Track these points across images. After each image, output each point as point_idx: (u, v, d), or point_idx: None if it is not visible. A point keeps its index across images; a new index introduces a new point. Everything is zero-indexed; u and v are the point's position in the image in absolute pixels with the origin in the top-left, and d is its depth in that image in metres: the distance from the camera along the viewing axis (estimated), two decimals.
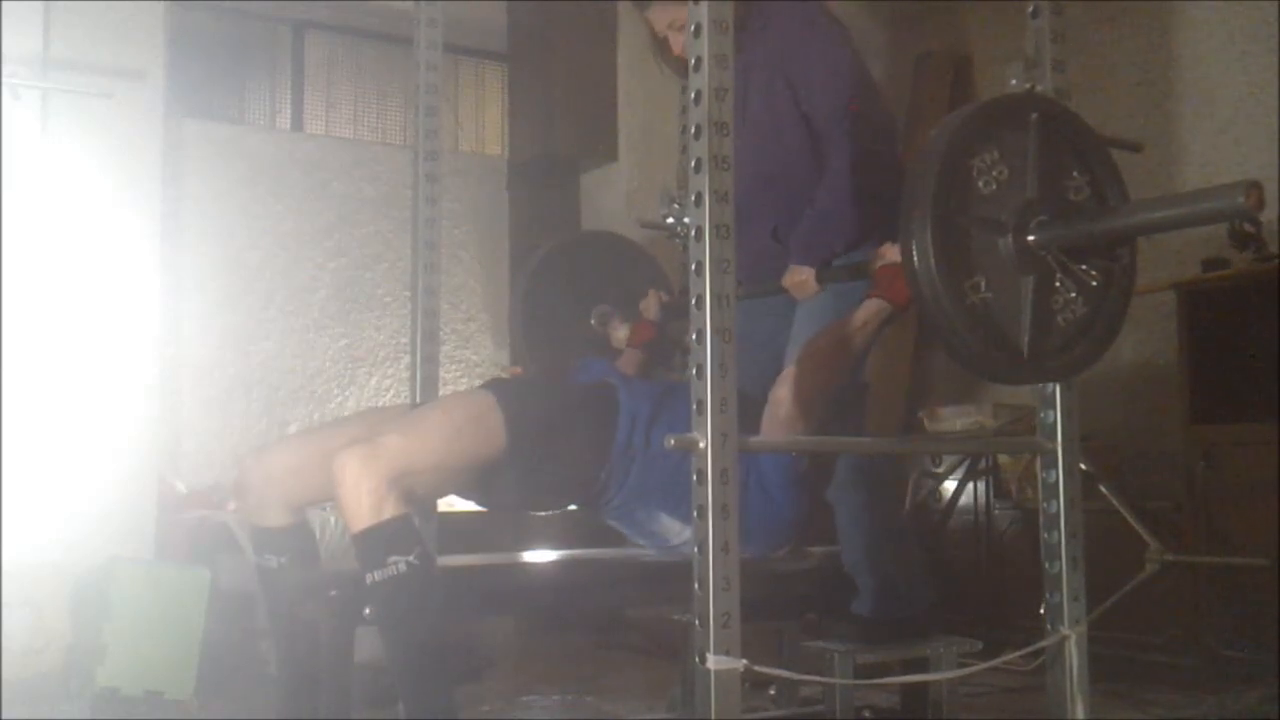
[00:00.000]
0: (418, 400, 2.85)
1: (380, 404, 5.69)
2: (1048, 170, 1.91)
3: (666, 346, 3.00)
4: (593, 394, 2.45)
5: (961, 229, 1.82)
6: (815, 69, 2.65)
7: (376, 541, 2.03)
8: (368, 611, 2.05)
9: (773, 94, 2.70)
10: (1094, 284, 1.92)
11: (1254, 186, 1.67)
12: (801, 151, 2.70)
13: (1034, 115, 1.90)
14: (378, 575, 2.02)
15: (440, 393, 2.91)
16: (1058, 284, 1.90)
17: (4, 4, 3.74)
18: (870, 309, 2.25)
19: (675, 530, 2.31)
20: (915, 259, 1.78)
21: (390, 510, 2.03)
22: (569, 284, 3.10)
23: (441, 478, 2.16)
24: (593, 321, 3.09)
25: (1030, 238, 1.87)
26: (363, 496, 2.03)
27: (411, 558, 2.03)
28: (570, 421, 2.34)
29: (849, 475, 2.62)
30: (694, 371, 1.70)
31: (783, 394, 2.25)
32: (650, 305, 2.94)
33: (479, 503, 2.42)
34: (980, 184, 1.86)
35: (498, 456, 2.21)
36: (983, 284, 1.83)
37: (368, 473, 2.03)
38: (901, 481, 4.63)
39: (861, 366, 2.47)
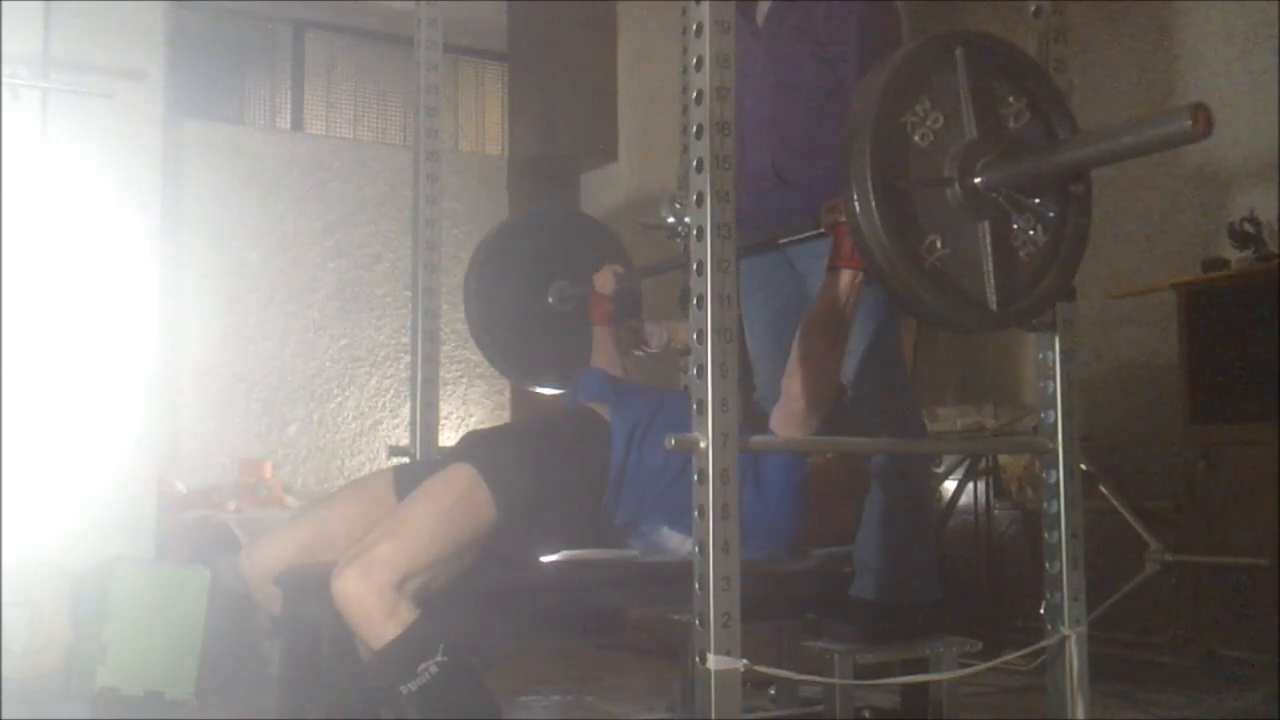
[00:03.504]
0: (417, 400, 2.85)
1: (380, 404, 5.70)
2: (983, 105, 1.85)
3: (628, 315, 2.95)
4: (580, 425, 2.42)
5: (905, 193, 1.76)
6: (850, 20, 2.66)
7: (400, 655, 2.00)
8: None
9: (800, 33, 2.72)
10: (1051, 214, 1.87)
11: (1199, 108, 1.57)
12: (812, 93, 2.71)
13: (958, 51, 1.84)
14: (412, 686, 2.00)
15: (440, 393, 2.91)
16: (1015, 225, 1.85)
17: (4, 4, 3.74)
18: (845, 281, 2.17)
19: (678, 542, 2.30)
20: (865, 235, 1.72)
21: (404, 617, 2.00)
22: (524, 262, 3.02)
23: (442, 568, 2.11)
24: (550, 299, 3.04)
25: (978, 180, 1.81)
26: (372, 614, 2.00)
27: (439, 657, 2.00)
28: (558, 466, 2.30)
29: (882, 470, 2.61)
30: (694, 371, 1.70)
31: (794, 388, 2.23)
32: (605, 280, 2.86)
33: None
34: (916, 138, 1.79)
35: (493, 528, 2.18)
36: (938, 242, 1.78)
37: (369, 589, 2.00)
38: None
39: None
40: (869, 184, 1.71)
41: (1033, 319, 1.98)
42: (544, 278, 3.05)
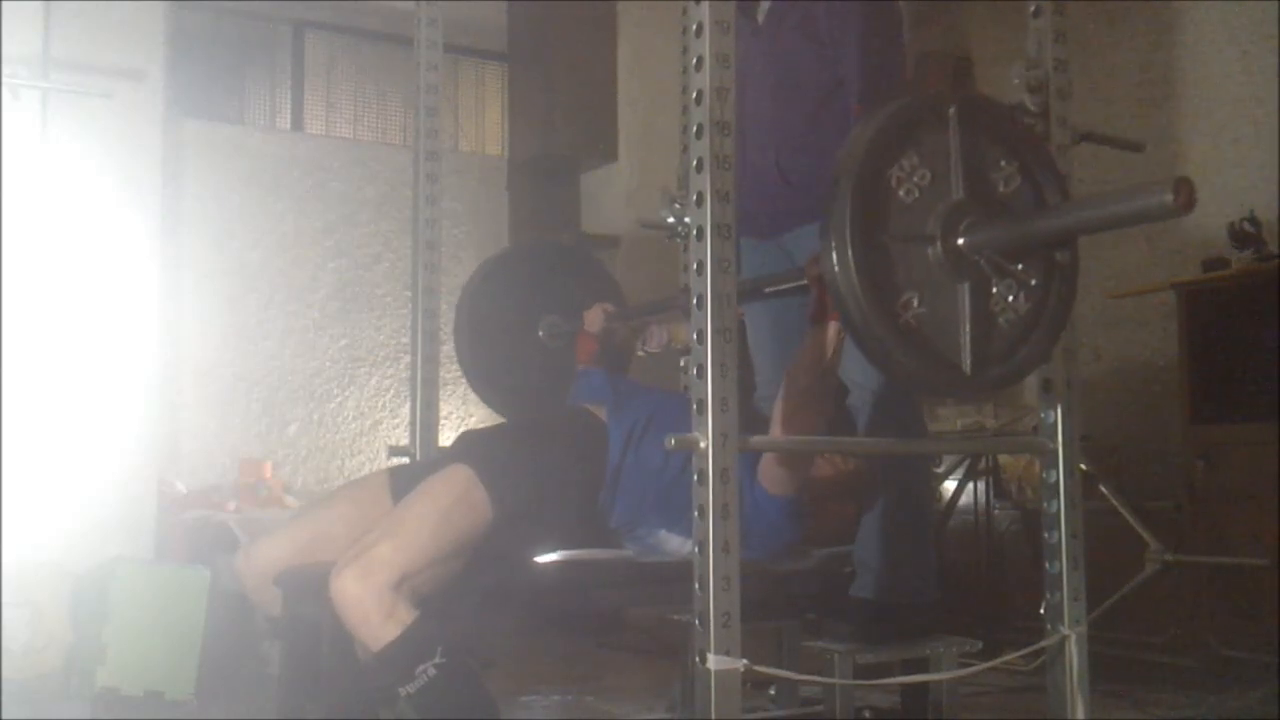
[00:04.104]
0: (417, 400, 2.85)
1: (380, 404, 5.70)
2: (973, 166, 1.83)
3: (616, 356, 2.95)
4: (576, 426, 2.42)
5: (885, 247, 1.73)
6: (851, 19, 2.67)
7: (398, 657, 2.00)
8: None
9: (801, 32, 2.73)
10: (1033, 283, 1.85)
11: (1182, 182, 1.56)
12: (813, 92, 2.72)
13: (952, 110, 1.82)
14: (410, 688, 2.00)
15: (440, 393, 2.91)
16: (995, 289, 1.82)
17: (4, 4, 3.74)
18: (831, 334, 2.15)
19: (677, 544, 2.31)
20: (839, 287, 1.70)
21: (402, 618, 2.01)
22: (516, 295, 3.01)
23: (440, 568, 2.12)
24: (540, 333, 3.04)
25: (960, 241, 1.79)
26: (370, 615, 2.00)
27: (438, 659, 2.00)
28: (555, 467, 2.31)
29: (882, 470, 2.61)
30: (694, 371, 1.70)
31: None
32: (594, 318, 2.84)
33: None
34: (901, 193, 1.76)
35: (490, 528, 2.19)
36: (915, 300, 1.75)
37: (368, 590, 2.00)
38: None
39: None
40: (847, 234, 1.69)
41: (1005, 387, 1.96)
42: (537, 311, 3.04)
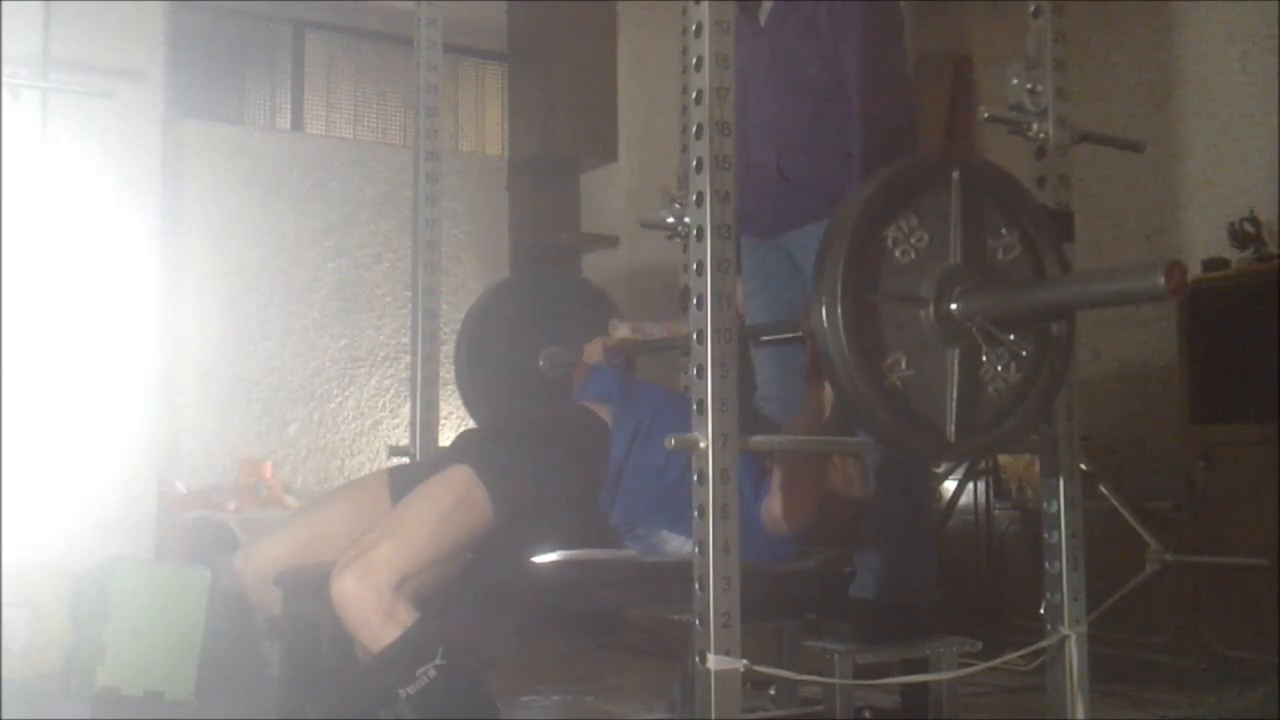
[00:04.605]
0: (417, 400, 2.85)
1: (380, 404, 5.71)
2: (973, 232, 1.82)
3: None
4: (576, 425, 2.43)
5: (874, 306, 1.73)
6: (853, 19, 2.67)
7: (398, 658, 2.00)
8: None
9: (802, 32, 2.74)
10: (1025, 354, 1.83)
11: (1174, 266, 1.58)
12: (815, 92, 2.73)
13: (955, 174, 1.81)
14: (410, 689, 2.00)
15: (440, 393, 2.91)
16: (985, 357, 1.81)
17: (4, 4, 3.74)
18: (830, 390, 2.11)
19: (677, 544, 2.31)
20: (827, 343, 1.70)
21: (402, 619, 2.00)
22: (517, 324, 3.03)
23: (440, 570, 2.11)
24: (541, 363, 3.05)
25: (953, 306, 1.78)
26: (370, 617, 2.00)
27: (438, 660, 2.00)
28: (555, 467, 2.31)
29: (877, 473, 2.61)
30: (694, 371, 1.70)
31: (775, 508, 2.23)
32: (594, 350, 2.85)
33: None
34: (897, 253, 1.76)
35: (490, 529, 2.19)
36: (902, 361, 1.74)
37: (368, 592, 2.00)
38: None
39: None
40: (838, 290, 1.69)
41: (988, 455, 1.95)
42: (538, 341, 3.06)
